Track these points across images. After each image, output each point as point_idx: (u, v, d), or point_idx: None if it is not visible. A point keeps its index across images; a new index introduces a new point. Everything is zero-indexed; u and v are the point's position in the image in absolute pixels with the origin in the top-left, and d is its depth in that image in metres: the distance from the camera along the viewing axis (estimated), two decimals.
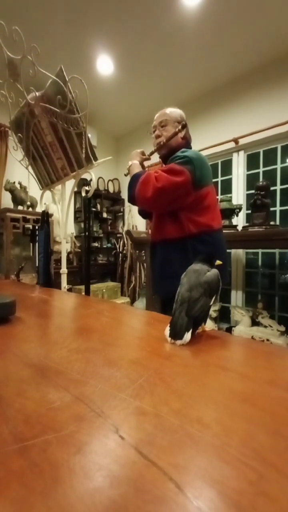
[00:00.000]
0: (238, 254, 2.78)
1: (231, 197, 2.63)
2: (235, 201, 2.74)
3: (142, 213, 1.29)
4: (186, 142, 1.12)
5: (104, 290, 3.24)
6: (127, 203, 3.96)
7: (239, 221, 2.56)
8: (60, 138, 1.34)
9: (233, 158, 2.92)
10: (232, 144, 2.81)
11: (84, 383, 0.34)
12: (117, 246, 4.04)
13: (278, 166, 2.63)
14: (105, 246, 4.07)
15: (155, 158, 1.25)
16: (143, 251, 2.55)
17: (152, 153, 1.17)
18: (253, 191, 2.14)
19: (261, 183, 2.10)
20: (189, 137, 1.14)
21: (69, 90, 1.11)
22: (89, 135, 1.23)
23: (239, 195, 2.85)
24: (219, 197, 2.34)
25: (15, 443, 0.23)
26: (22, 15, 2.09)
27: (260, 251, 2.70)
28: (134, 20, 2.15)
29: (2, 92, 1.36)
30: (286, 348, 1.91)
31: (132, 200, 1.05)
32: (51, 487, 0.19)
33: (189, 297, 0.51)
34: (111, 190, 4.18)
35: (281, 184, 2.60)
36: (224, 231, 1.16)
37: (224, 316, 2.80)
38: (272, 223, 2.05)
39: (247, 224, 2.16)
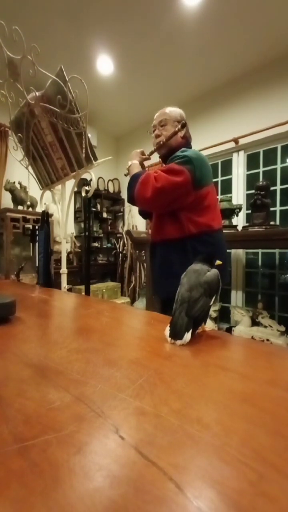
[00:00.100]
0: (238, 254, 2.78)
1: (231, 197, 2.63)
2: (235, 201, 2.74)
3: (142, 213, 1.29)
4: (186, 142, 1.12)
5: (104, 290, 3.24)
6: (127, 203, 3.96)
7: (239, 221, 2.56)
8: (60, 138, 1.34)
9: (233, 158, 2.92)
10: (232, 144, 2.81)
11: (84, 383, 0.34)
12: (117, 246, 4.04)
13: (278, 166, 2.63)
14: (105, 246, 4.07)
15: (155, 157, 1.25)
16: (143, 251, 2.55)
17: (152, 153, 1.17)
18: (253, 191, 2.14)
19: (261, 183, 2.10)
20: (189, 137, 1.14)
21: (69, 90, 1.11)
22: (89, 135, 1.23)
23: (239, 195, 2.85)
24: (219, 197, 2.34)
25: (15, 443, 0.23)
26: (22, 15, 2.09)
27: (260, 251, 2.70)
28: (134, 20, 2.14)
29: (2, 92, 1.36)
30: (286, 348, 1.91)
31: (131, 200, 1.05)
32: (51, 487, 0.19)
33: (189, 297, 0.51)
34: (111, 190, 4.18)
35: (281, 184, 2.60)
36: (224, 231, 1.16)
37: (224, 316, 2.80)
38: (272, 223, 2.05)
39: (247, 224, 2.16)
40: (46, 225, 1.54)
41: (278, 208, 2.61)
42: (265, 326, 2.21)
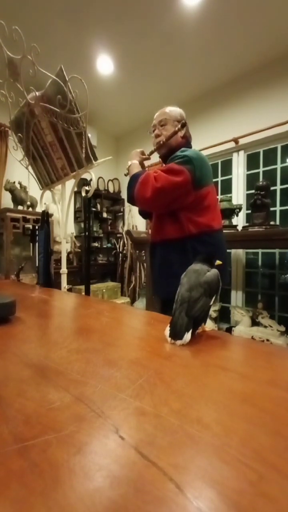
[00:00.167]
0: (238, 254, 2.78)
1: (231, 197, 2.63)
2: (235, 201, 2.74)
3: (143, 213, 1.29)
4: (186, 141, 1.11)
5: (104, 290, 3.24)
6: (127, 203, 3.96)
7: (239, 221, 2.56)
8: (60, 138, 1.34)
9: (233, 158, 2.92)
10: (232, 144, 2.81)
11: (84, 383, 0.34)
12: (117, 246, 4.04)
13: (278, 166, 2.63)
14: (105, 246, 4.07)
15: (155, 157, 1.25)
16: (143, 251, 2.55)
17: (151, 153, 1.17)
18: (253, 191, 2.14)
19: (261, 183, 2.10)
20: (189, 136, 1.14)
21: (69, 90, 1.11)
22: (89, 135, 1.23)
23: (239, 195, 2.85)
24: (219, 197, 2.34)
25: (15, 443, 0.23)
26: (22, 14, 2.09)
27: (260, 251, 2.70)
28: (134, 20, 2.14)
29: (2, 92, 1.36)
30: (286, 348, 1.91)
31: (131, 200, 1.05)
32: (51, 488, 0.19)
33: (189, 297, 0.51)
34: (111, 190, 4.18)
35: (281, 184, 2.60)
36: (224, 231, 1.16)
37: (224, 316, 2.80)
38: (272, 223, 2.05)
39: (247, 224, 2.16)
40: (46, 225, 1.54)
41: (278, 208, 2.61)
42: (265, 326, 2.21)
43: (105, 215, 4.00)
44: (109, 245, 4.14)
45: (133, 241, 2.83)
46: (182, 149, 1.03)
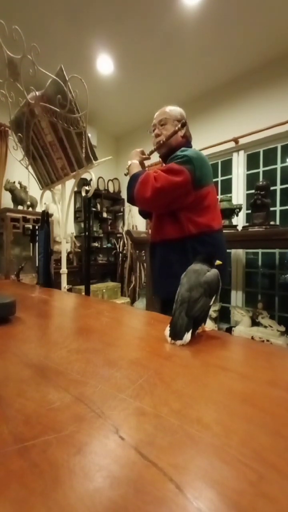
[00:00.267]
0: (238, 254, 2.78)
1: (231, 197, 2.63)
2: (235, 201, 2.74)
3: (143, 213, 1.29)
4: (186, 141, 1.11)
5: (104, 290, 3.24)
6: (127, 203, 3.96)
7: (239, 221, 2.56)
8: (60, 138, 1.34)
9: (233, 158, 2.92)
10: (232, 144, 2.81)
11: (84, 383, 0.34)
12: (117, 246, 4.04)
13: (278, 166, 2.63)
14: (105, 246, 4.07)
15: (155, 157, 1.24)
16: (143, 251, 2.55)
17: (151, 152, 1.17)
18: (253, 191, 2.14)
19: (261, 183, 2.10)
20: (189, 136, 1.14)
21: (69, 90, 1.11)
22: (89, 135, 1.23)
23: (239, 195, 2.86)
24: (219, 197, 2.34)
25: (15, 443, 0.23)
26: (22, 14, 2.09)
27: (260, 251, 2.70)
28: (134, 19, 2.14)
29: (2, 92, 1.36)
30: (286, 348, 1.91)
31: (131, 200, 1.05)
32: (51, 488, 0.19)
33: (189, 297, 0.51)
34: (111, 190, 4.18)
35: (281, 184, 2.60)
36: (224, 231, 1.16)
37: (224, 316, 2.80)
38: (272, 223, 2.05)
39: (247, 224, 2.16)
40: (46, 225, 1.54)
41: (278, 208, 2.61)
42: (265, 326, 2.21)
43: (105, 215, 4.00)
44: (109, 245, 4.14)
45: (133, 241, 2.83)
46: (182, 148, 1.03)
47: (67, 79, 1.10)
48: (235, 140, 2.75)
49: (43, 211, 1.59)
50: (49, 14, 2.10)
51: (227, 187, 2.95)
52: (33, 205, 2.80)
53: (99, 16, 2.11)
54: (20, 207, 2.70)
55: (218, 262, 0.58)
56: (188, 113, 1.17)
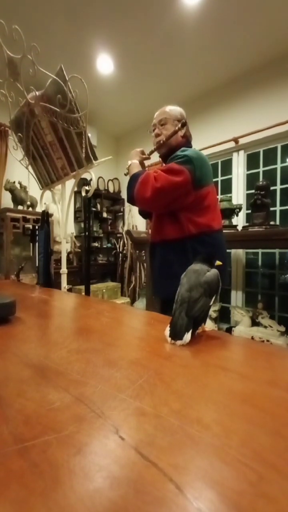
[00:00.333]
0: (238, 254, 2.78)
1: (231, 197, 2.63)
2: (235, 201, 2.74)
3: (143, 213, 1.29)
4: (187, 141, 1.11)
5: (104, 290, 3.24)
6: (127, 203, 3.96)
7: (239, 221, 2.56)
8: (60, 138, 1.34)
9: (233, 157, 2.92)
10: (232, 144, 2.81)
11: (84, 383, 0.34)
12: (117, 246, 4.04)
13: (278, 165, 2.63)
14: (105, 246, 4.07)
15: (155, 157, 1.24)
16: (143, 251, 2.55)
17: (151, 152, 1.17)
18: (253, 191, 2.14)
19: (261, 183, 2.10)
20: (189, 136, 1.14)
21: (69, 90, 1.11)
22: (89, 135, 1.23)
23: (239, 195, 2.85)
24: (219, 197, 2.34)
25: (15, 443, 0.23)
26: (22, 14, 2.09)
27: (260, 251, 2.70)
28: (134, 19, 2.14)
29: (2, 92, 1.36)
30: (286, 348, 1.91)
31: (131, 200, 1.05)
32: (51, 488, 0.19)
33: (189, 297, 0.51)
34: (111, 190, 4.18)
35: (281, 184, 2.60)
36: (224, 231, 1.16)
37: (224, 316, 2.80)
38: (272, 223, 2.05)
39: (247, 224, 2.16)
40: (46, 225, 1.54)
41: (278, 208, 2.61)
42: (265, 327, 2.21)
43: (105, 215, 4.00)
44: (109, 245, 4.14)
45: (133, 241, 2.83)
46: (182, 148, 1.03)
47: (67, 79, 1.10)
48: (235, 140, 2.75)
49: (43, 211, 1.59)
50: (49, 14, 2.10)
51: (227, 187, 2.95)
52: (33, 205, 2.80)
53: (99, 16, 2.11)
54: (20, 207, 2.70)
55: (218, 262, 0.58)
56: (188, 113, 1.17)
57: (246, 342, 0.55)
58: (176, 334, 0.48)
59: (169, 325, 0.51)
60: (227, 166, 2.98)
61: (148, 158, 1.18)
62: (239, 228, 2.21)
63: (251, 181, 2.77)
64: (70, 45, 2.43)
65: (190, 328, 0.48)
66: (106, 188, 4.08)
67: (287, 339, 2.07)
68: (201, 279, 0.53)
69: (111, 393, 0.31)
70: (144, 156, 1.16)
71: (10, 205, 2.70)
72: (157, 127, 1.12)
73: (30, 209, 2.77)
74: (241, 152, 2.85)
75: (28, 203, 2.74)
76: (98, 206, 3.91)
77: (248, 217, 2.52)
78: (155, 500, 0.18)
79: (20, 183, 2.73)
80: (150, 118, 1.20)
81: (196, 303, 0.50)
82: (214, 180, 1.39)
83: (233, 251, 2.76)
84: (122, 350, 0.47)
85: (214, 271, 0.55)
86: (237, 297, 2.79)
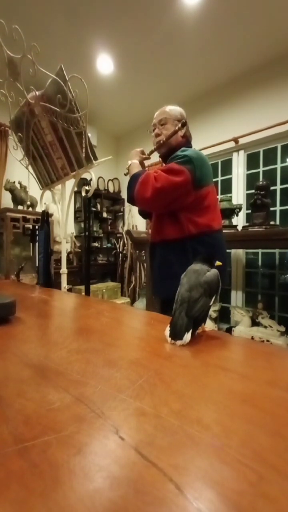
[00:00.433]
0: (238, 254, 2.78)
1: (231, 197, 2.63)
2: (235, 201, 2.74)
3: (143, 213, 1.29)
4: (187, 141, 1.11)
5: (104, 290, 3.24)
6: (127, 203, 3.96)
7: (239, 221, 2.56)
8: (60, 138, 1.34)
9: (233, 157, 2.92)
10: (232, 144, 2.81)
11: (84, 383, 0.34)
12: (117, 246, 4.04)
13: (278, 165, 2.63)
14: (105, 246, 4.07)
15: (155, 157, 1.24)
16: (143, 251, 2.55)
17: (151, 152, 1.17)
18: (253, 191, 2.14)
19: (261, 183, 2.10)
20: (189, 136, 1.14)
21: (69, 89, 1.11)
22: (89, 135, 1.23)
23: (239, 195, 2.85)
24: (219, 197, 2.34)
25: (15, 444, 0.23)
26: (22, 14, 2.09)
27: (260, 251, 2.70)
28: (134, 19, 2.14)
29: (2, 91, 1.36)
30: (286, 348, 1.91)
31: (131, 200, 1.05)
32: (51, 488, 0.19)
33: (189, 297, 0.51)
34: (111, 189, 4.18)
35: (281, 184, 2.60)
36: (224, 231, 1.16)
37: (224, 316, 2.80)
38: (272, 223, 2.05)
39: (247, 224, 2.16)
40: (46, 225, 1.54)
41: (278, 208, 2.61)
42: (265, 327, 2.21)
43: (105, 215, 4.00)
44: (109, 245, 4.14)
45: (133, 241, 2.83)
46: (183, 148, 1.03)
47: (67, 78, 1.10)
48: (235, 140, 2.75)
49: (43, 211, 1.59)
50: (49, 14, 2.10)
51: (227, 187, 2.95)
52: (33, 205, 2.80)
53: (99, 15, 2.11)
54: (20, 207, 2.70)
55: (218, 263, 0.58)
56: (188, 113, 1.17)
57: (246, 342, 0.55)
58: (176, 334, 0.48)
59: (169, 325, 0.51)
60: (227, 166, 2.98)
61: (148, 158, 1.18)
62: (239, 228, 2.21)
63: (251, 181, 2.77)
64: (70, 45, 2.43)
65: (190, 328, 0.48)
66: (106, 188, 4.08)
67: (287, 339, 2.07)
68: (201, 279, 0.53)
69: (111, 393, 0.31)
70: (144, 156, 1.16)
71: (10, 205, 2.70)
72: (157, 127, 1.12)
73: (30, 209, 2.77)
74: (241, 152, 2.85)
75: (28, 203, 2.74)
76: (98, 206, 3.91)
77: (248, 217, 2.52)
78: (155, 500, 0.18)
79: (20, 183, 2.72)
80: (150, 118, 1.20)
81: (196, 303, 0.50)
82: (214, 180, 1.39)
83: (233, 251, 2.75)
84: (122, 350, 0.47)
85: (214, 271, 0.55)
86: (237, 297, 2.79)
